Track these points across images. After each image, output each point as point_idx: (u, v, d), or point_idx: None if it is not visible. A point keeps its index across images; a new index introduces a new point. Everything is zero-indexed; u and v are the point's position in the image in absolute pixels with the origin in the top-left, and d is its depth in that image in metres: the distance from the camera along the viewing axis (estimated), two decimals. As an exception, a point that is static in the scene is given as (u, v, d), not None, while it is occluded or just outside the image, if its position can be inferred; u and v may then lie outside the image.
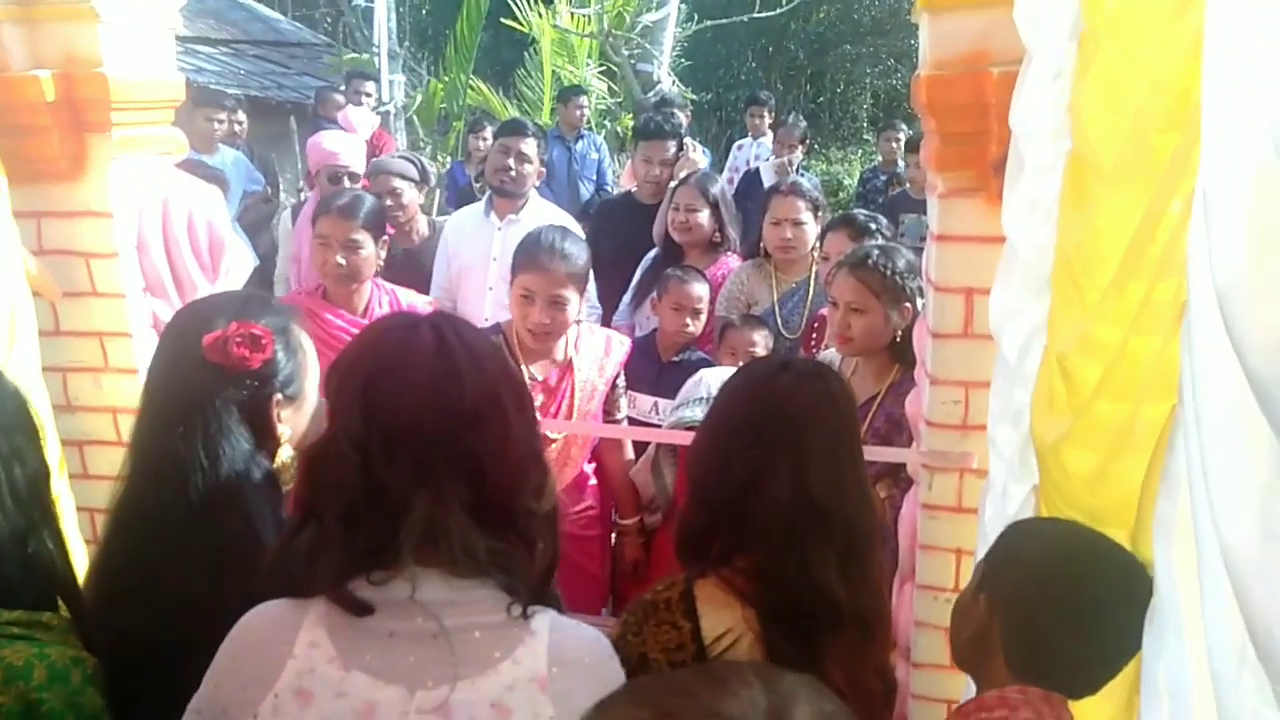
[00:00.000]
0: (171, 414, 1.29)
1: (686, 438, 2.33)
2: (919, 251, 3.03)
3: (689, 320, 3.03)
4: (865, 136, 13.34)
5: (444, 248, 3.47)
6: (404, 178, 3.67)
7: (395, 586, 1.01)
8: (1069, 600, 1.16)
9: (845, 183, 10.71)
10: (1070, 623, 1.16)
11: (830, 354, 2.61)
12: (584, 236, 3.75)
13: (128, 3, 2.04)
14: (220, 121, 5.25)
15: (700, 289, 3.06)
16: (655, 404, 2.96)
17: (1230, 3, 0.80)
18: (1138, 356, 1.06)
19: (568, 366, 2.53)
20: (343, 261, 2.56)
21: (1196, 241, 0.89)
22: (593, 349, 2.59)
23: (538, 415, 1.17)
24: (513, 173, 3.35)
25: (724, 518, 1.34)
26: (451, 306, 3.38)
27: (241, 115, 5.77)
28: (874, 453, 2.26)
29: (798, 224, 3.18)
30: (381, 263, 2.73)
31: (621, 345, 2.66)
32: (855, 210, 3.37)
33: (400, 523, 1.00)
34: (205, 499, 1.26)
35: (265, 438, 1.35)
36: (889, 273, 2.35)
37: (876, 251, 2.41)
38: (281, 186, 6.95)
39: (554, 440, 2.50)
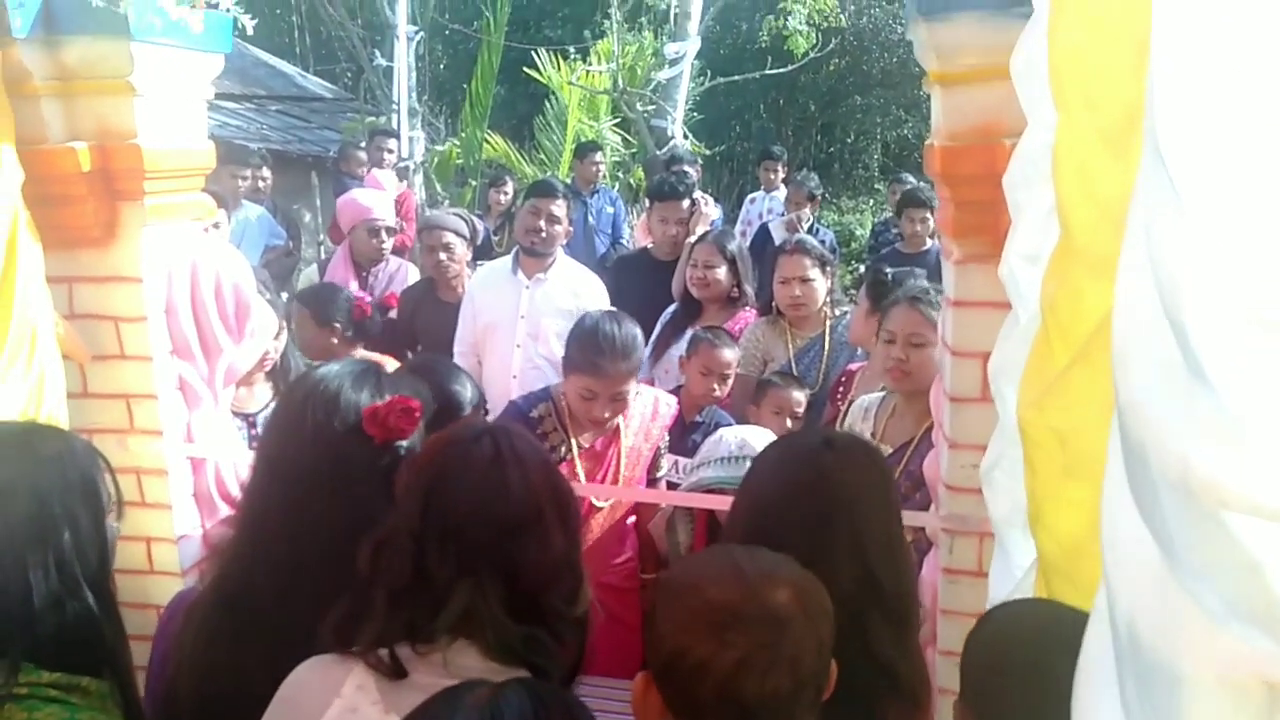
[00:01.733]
0: (312, 488, 1.32)
1: (718, 501, 2.35)
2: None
3: (716, 385, 3.05)
4: (876, 186, 13.44)
5: (469, 304, 3.50)
6: (457, 234, 3.75)
7: (435, 656, 1.13)
8: (1028, 683, 1.12)
9: (857, 233, 10.78)
10: (1028, 692, 1.12)
11: (867, 399, 2.61)
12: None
13: (163, 75, 2.11)
14: (245, 178, 5.38)
15: (730, 354, 3.08)
16: (676, 462, 2.97)
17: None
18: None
19: (615, 434, 2.56)
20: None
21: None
22: (640, 413, 2.62)
23: (580, 527, 1.28)
24: (543, 234, 3.37)
25: None
26: (476, 363, 3.41)
27: (266, 171, 5.90)
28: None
29: (805, 281, 3.21)
30: None
31: (669, 407, 2.69)
32: (878, 269, 3.40)
33: (441, 608, 1.13)
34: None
35: (391, 499, 1.37)
36: None
37: (935, 289, 2.42)
38: (303, 238, 7.07)
39: (600, 508, 2.52)
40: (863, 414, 2.58)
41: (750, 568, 1.07)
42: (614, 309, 2.79)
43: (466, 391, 2.35)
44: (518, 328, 3.36)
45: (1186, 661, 0.61)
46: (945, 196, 1.84)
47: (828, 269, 3.29)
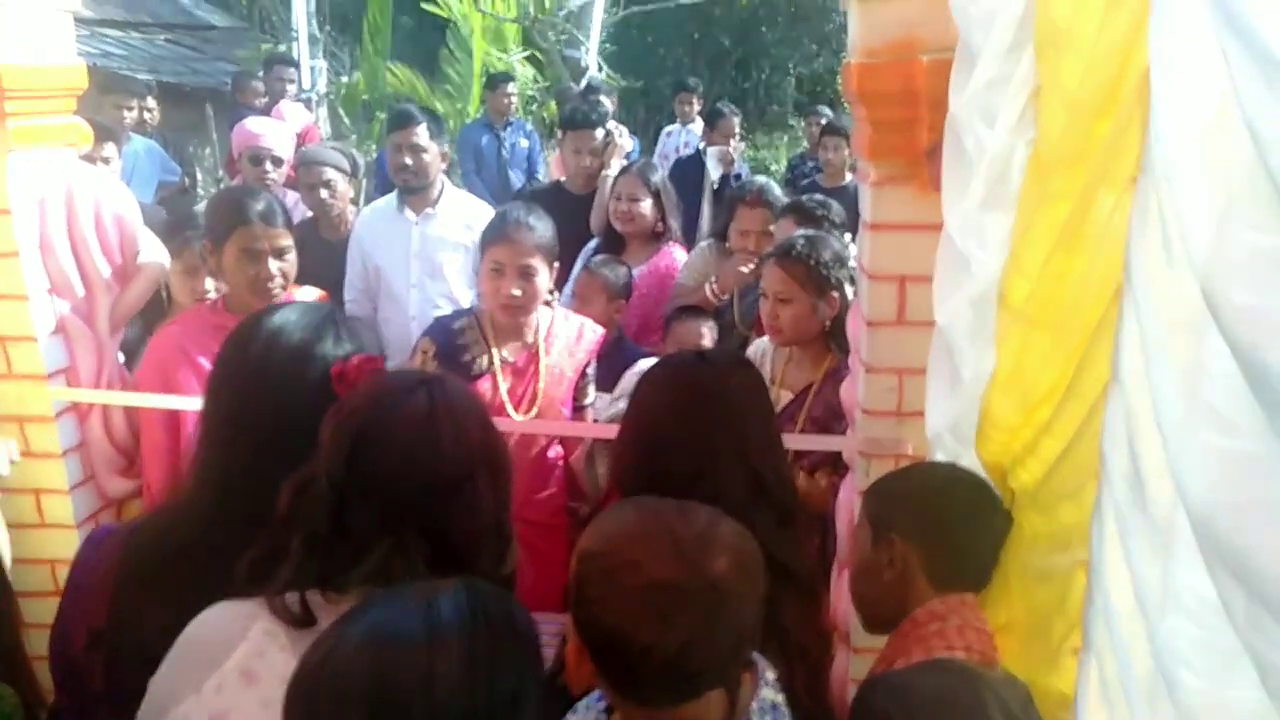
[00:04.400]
0: (284, 448, 1.21)
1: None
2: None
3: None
4: (790, 122, 13.45)
5: (357, 247, 3.32)
6: (336, 168, 3.56)
7: (347, 605, 1.06)
8: (964, 502, 1.42)
9: (772, 168, 10.79)
10: (970, 519, 1.41)
11: (760, 344, 2.62)
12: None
13: (21, -15, 1.92)
14: (129, 109, 5.02)
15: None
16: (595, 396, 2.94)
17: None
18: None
19: (536, 352, 2.52)
20: (276, 272, 2.34)
21: (1137, 226, 0.90)
22: (564, 335, 2.58)
23: (510, 485, 1.19)
24: (412, 167, 3.22)
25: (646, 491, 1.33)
26: (371, 308, 3.28)
27: (152, 102, 5.53)
28: (813, 441, 2.27)
29: (764, 234, 3.18)
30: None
31: (594, 333, 2.65)
32: (806, 197, 3.38)
33: (359, 561, 1.08)
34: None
35: None
36: (814, 263, 2.37)
37: (802, 242, 2.43)
38: (199, 176, 6.68)
39: (518, 419, 2.48)
40: (759, 359, 2.59)
41: (685, 534, 1.03)
42: None
43: (257, 204, 2.31)
44: (411, 267, 3.23)
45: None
46: (862, 117, 1.81)
47: (783, 219, 3.27)
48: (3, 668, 1.27)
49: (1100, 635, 0.94)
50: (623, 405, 2.44)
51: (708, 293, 3.17)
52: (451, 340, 2.45)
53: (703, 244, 3.40)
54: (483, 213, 3.37)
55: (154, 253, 2.34)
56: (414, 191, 3.26)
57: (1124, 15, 0.95)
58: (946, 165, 1.55)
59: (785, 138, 12.67)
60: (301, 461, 1.22)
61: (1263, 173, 0.61)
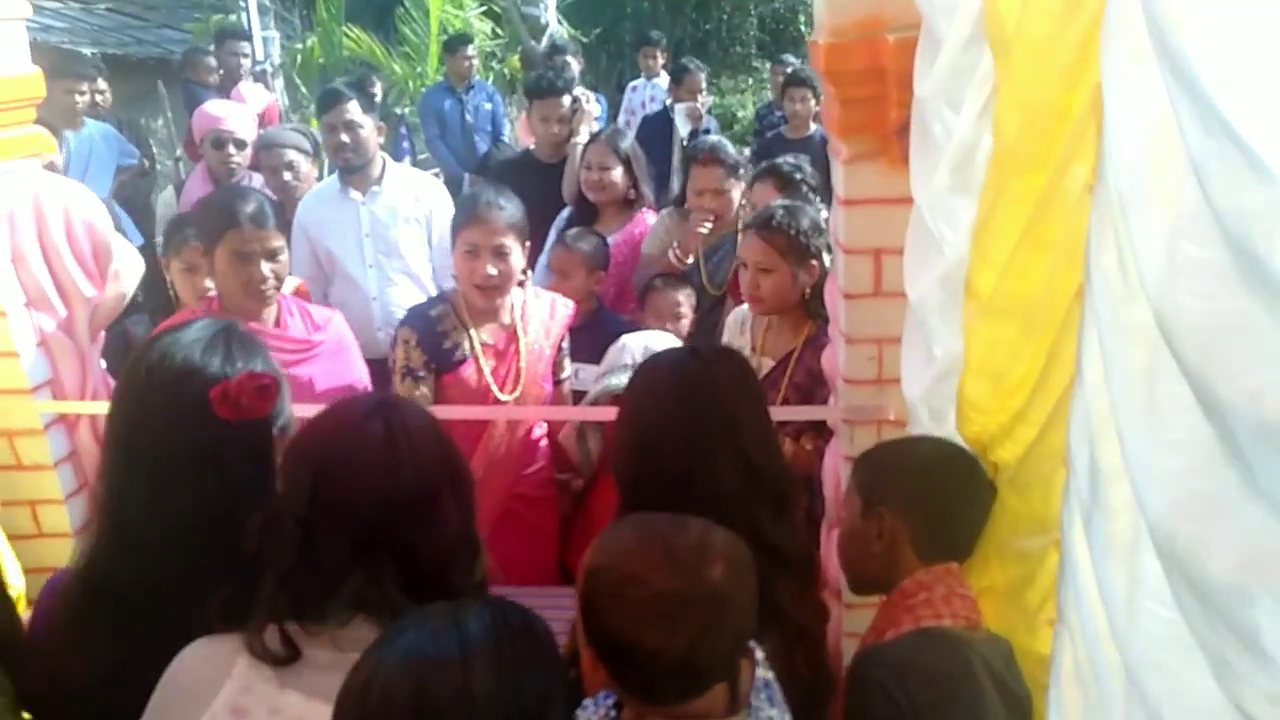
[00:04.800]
0: (171, 473, 1.23)
1: None
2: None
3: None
4: (754, 64, 13.30)
5: (302, 236, 3.22)
6: (299, 150, 3.53)
7: (328, 634, 1.11)
8: (953, 479, 1.46)
9: (739, 114, 10.70)
10: (958, 495, 1.45)
11: (740, 311, 2.66)
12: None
13: (-30, -4, 1.88)
14: (81, 93, 4.88)
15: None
16: (575, 370, 2.97)
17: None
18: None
19: (514, 332, 2.54)
20: (269, 274, 2.35)
21: (1095, 236, 0.93)
22: (538, 312, 2.60)
23: (473, 494, 1.22)
24: (350, 145, 3.17)
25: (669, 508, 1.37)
26: (322, 294, 3.23)
27: (103, 84, 5.38)
28: (797, 411, 2.33)
29: (720, 193, 3.19)
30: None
31: (565, 307, 2.68)
32: (782, 160, 3.39)
33: (333, 591, 1.10)
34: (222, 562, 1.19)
35: (269, 474, 1.29)
36: (793, 232, 2.40)
37: (781, 211, 2.45)
38: (155, 151, 6.52)
39: (505, 401, 2.52)
40: (740, 327, 2.64)
41: (680, 544, 1.09)
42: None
43: (248, 206, 2.31)
44: (365, 248, 3.20)
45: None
46: (831, 94, 1.83)
47: (740, 173, 3.27)
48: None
49: (1072, 616, 0.99)
50: (611, 381, 2.47)
51: (671, 259, 3.19)
52: (431, 328, 2.46)
53: (663, 213, 3.39)
54: (429, 184, 3.36)
55: (127, 257, 2.32)
56: (356, 170, 3.21)
57: (1080, 20, 0.97)
58: (914, 147, 1.58)
59: (750, 80, 12.53)
60: (195, 485, 1.23)
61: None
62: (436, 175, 6.82)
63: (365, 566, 1.09)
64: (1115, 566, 0.89)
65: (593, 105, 4.00)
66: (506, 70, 8.68)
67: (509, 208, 2.45)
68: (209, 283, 2.62)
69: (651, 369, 1.52)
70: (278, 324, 2.46)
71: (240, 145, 3.90)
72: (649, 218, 3.47)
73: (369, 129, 3.21)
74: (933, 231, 1.54)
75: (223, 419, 1.24)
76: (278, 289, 2.39)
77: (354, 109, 3.19)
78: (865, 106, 1.78)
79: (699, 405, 1.39)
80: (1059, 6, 0.98)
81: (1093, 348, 0.93)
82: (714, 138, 3.76)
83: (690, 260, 3.19)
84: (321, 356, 2.48)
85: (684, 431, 1.38)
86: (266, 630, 1.09)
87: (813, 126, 5.27)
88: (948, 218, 1.50)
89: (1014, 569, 1.37)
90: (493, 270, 2.40)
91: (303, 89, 8.27)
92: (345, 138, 3.16)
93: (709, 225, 3.14)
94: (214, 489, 1.23)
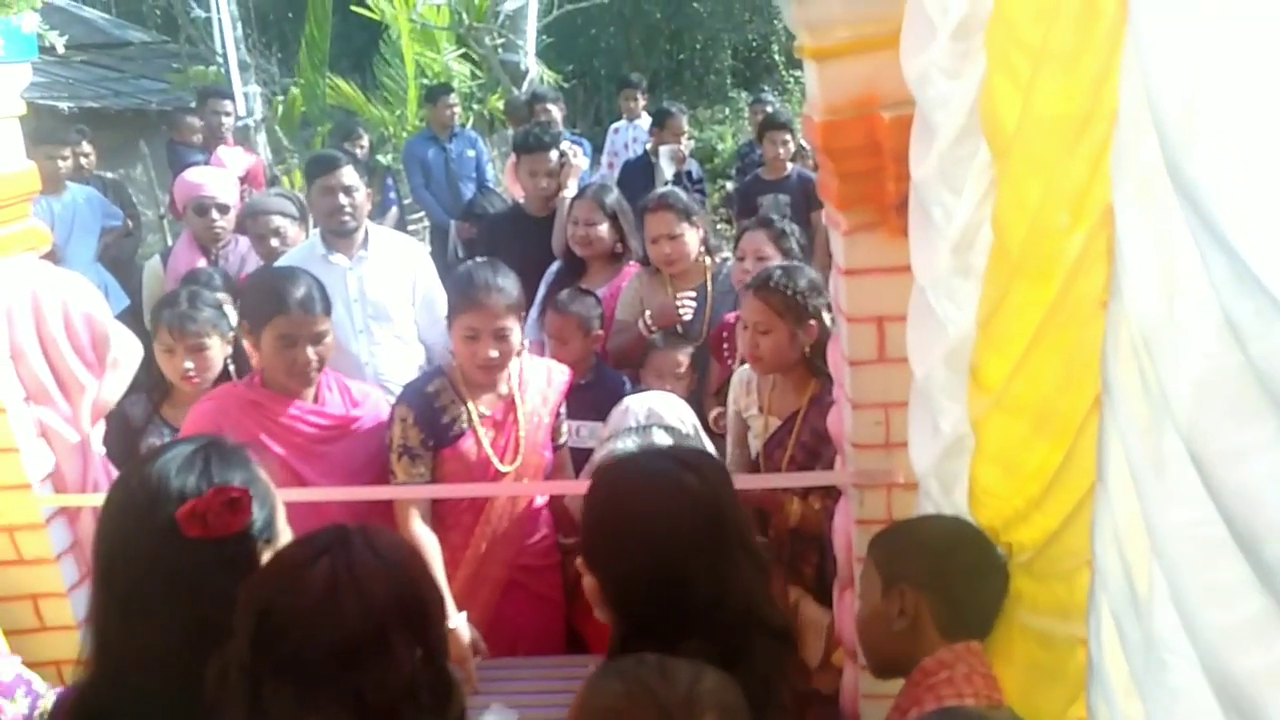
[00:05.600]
0: (142, 599, 1.21)
1: None
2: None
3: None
4: (730, 94, 13.43)
5: None
6: (285, 215, 3.54)
7: None
8: (970, 557, 1.48)
9: (719, 148, 10.77)
10: (977, 572, 1.48)
11: (744, 372, 2.67)
12: (465, 246, 3.61)
13: (-36, 97, 1.87)
14: (64, 158, 4.89)
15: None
16: (572, 427, 2.97)
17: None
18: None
19: (511, 402, 2.53)
20: (314, 357, 2.39)
21: (1110, 350, 0.94)
22: (536, 380, 2.60)
23: (441, 630, 1.18)
24: (347, 208, 3.16)
25: (692, 631, 1.33)
26: None
27: (87, 146, 5.39)
28: (807, 478, 2.34)
29: (674, 238, 3.19)
30: None
31: (561, 374, 2.69)
32: (770, 214, 3.42)
33: None
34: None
35: None
36: (790, 293, 2.42)
37: (779, 272, 2.47)
38: (139, 209, 6.50)
39: (505, 472, 2.51)
40: (744, 388, 2.64)
41: (672, 699, 1.06)
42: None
43: (298, 290, 2.37)
44: (355, 314, 3.17)
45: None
46: (828, 168, 1.85)
47: (694, 219, 3.25)
48: None
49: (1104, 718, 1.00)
50: (616, 445, 2.46)
51: (641, 329, 3.18)
52: (428, 405, 2.44)
53: (631, 277, 3.38)
54: (407, 243, 3.35)
55: (125, 344, 2.31)
56: (346, 234, 3.19)
57: (1089, 139, 0.98)
58: (914, 227, 1.60)
59: (727, 111, 12.63)
60: (165, 610, 1.20)
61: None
62: (423, 222, 6.87)
63: (316, 716, 1.05)
64: (1151, 678, 0.89)
65: (580, 159, 4.03)
66: (487, 111, 8.72)
67: (506, 287, 2.43)
68: (189, 364, 2.66)
69: (637, 490, 1.41)
70: (316, 399, 2.47)
71: (223, 210, 3.89)
72: (636, 270, 3.47)
73: (363, 193, 3.21)
74: (936, 311, 1.55)
75: (196, 538, 1.21)
76: (320, 369, 2.42)
77: (350, 174, 3.19)
78: (863, 180, 1.79)
79: (715, 521, 1.35)
80: (1064, 122, 1.00)
81: (1115, 459, 0.94)
82: (664, 189, 3.79)
83: (656, 332, 3.18)
84: (357, 434, 2.49)
85: (707, 552, 1.32)
86: None
87: (789, 167, 5.33)
88: (951, 297, 1.52)
89: (1037, 653, 1.37)
90: (494, 353, 2.39)
91: (284, 140, 8.27)
92: (344, 200, 3.16)
93: (691, 307, 3.14)
94: (186, 614, 1.20)
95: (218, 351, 2.71)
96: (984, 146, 1.28)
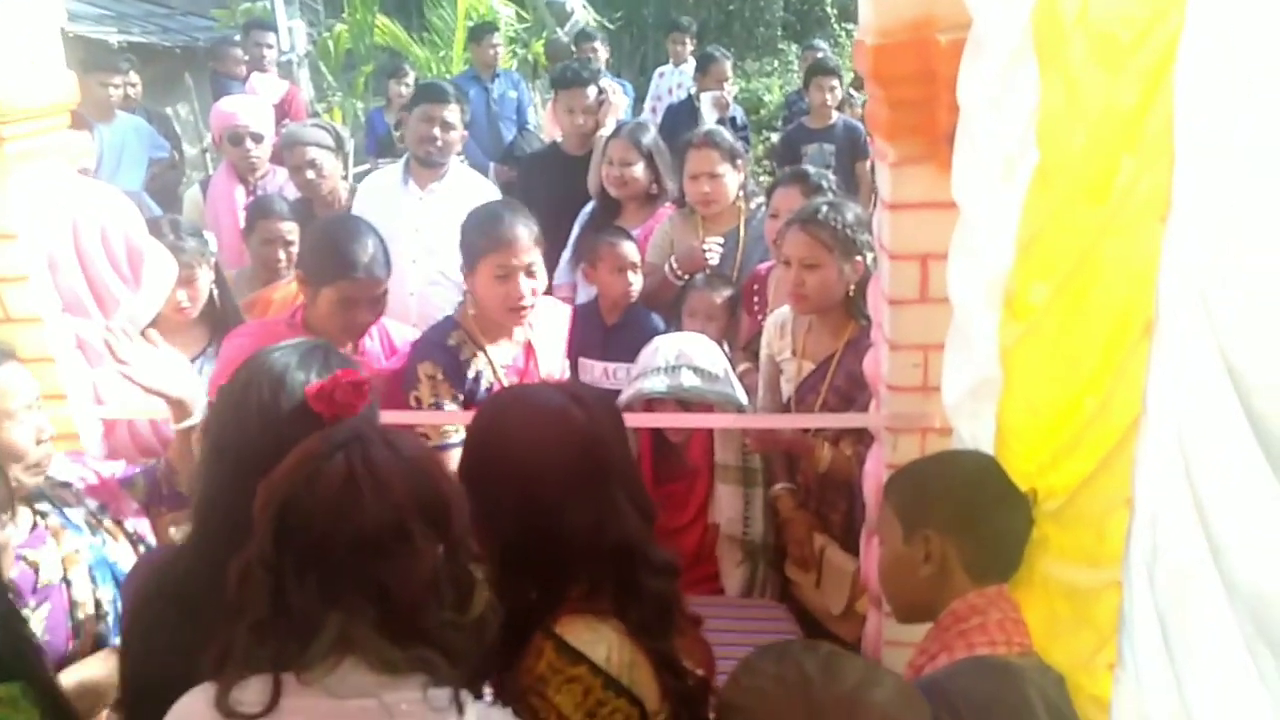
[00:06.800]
0: (260, 476, 1.21)
1: (665, 419, 2.39)
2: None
3: (631, 278, 2.98)
4: (780, 46, 13.11)
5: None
6: (321, 146, 3.51)
7: (320, 681, 1.08)
8: (995, 495, 1.43)
9: (765, 99, 10.55)
10: (1002, 512, 1.43)
11: (781, 314, 2.60)
12: (503, 188, 3.59)
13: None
14: (115, 86, 4.90)
15: (631, 246, 3.00)
16: (606, 369, 2.94)
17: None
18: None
19: (529, 348, 2.50)
20: (370, 318, 2.41)
21: (1170, 256, 0.89)
22: (543, 320, 2.56)
23: (463, 528, 1.15)
24: (439, 142, 3.21)
25: (550, 558, 1.30)
26: None
27: (135, 76, 5.40)
28: (840, 419, 2.29)
29: (714, 177, 3.11)
30: None
31: (563, 310, 2.67)
32: (804, 167, 3.32)
33: (310, 640, 1.07)
34: None
35: None
36: (840, 226, 2.35)
37: (826, 206, 2.40)
38: (184, 143, 6.53)
39: None
40: (779, 330, 2.57)
41: (827, 700, 1.00)
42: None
43: (365, 253, 2.35)
44: (413, 242, 3.17)
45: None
46: (878, 97, 1.77)
47: (738, 162, 3.18)
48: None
49: (1133, 664, 0.96)
50: (643, 385, 2.43)
51: (667, 274, 3.12)
52: (454, 359, 2.39)
53: (665, 220, 3.31)
54: (486, 190, 3.32)
55: (162, 263, 2.31)
56: (429, 165, 3.24)
57: (1158, 34, 0.91)
58: (958, 148, 1.53)
59: (776, 63, 12.35)
60: None
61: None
62: (463, 163, 6.83)
63: (340, 608, 1.07)
64: (1182, 619, 0.85)
65: (619, 96, 3.94)
66: (531, 55, 8.61)
67: (529, 223, 2.41)
68: (181, 294, 2.54)
69: (518, 417, 1.38)
70: (356, 349, 2.46)
71: (257, 139, 3.86)
72: (672, 212, 3.40)
73: (458, 134, 3.27)
74: (976, 234, 1.49)
75: (317, 419, 1.27)
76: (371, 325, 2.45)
77: (454, 112, 3.25)
78: (915, 109, 1.72)
79: (595, 459, 1.32)
80: (1119, 36, 0.93)
81: (1164, 394, 0.89)
82: (710, 126, 3.69)
83: (685, 278, 3.11)
84: (393, 382, 2.47)
85: (583, 490, 1.29)
86: (238, 685, 1.06)
87: (835, 115, 5.19)
88: (991, 221, 1.45)
89: (1063, 604, 1.33)
90: (527, 290, 2.35)
91: (329, 78, 8.24)
92: (436, 133, 3.21)
93: (718, 253, 3.08)
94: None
95: (205, 281, 2.64)
96: (1034, 68, 1.21)
